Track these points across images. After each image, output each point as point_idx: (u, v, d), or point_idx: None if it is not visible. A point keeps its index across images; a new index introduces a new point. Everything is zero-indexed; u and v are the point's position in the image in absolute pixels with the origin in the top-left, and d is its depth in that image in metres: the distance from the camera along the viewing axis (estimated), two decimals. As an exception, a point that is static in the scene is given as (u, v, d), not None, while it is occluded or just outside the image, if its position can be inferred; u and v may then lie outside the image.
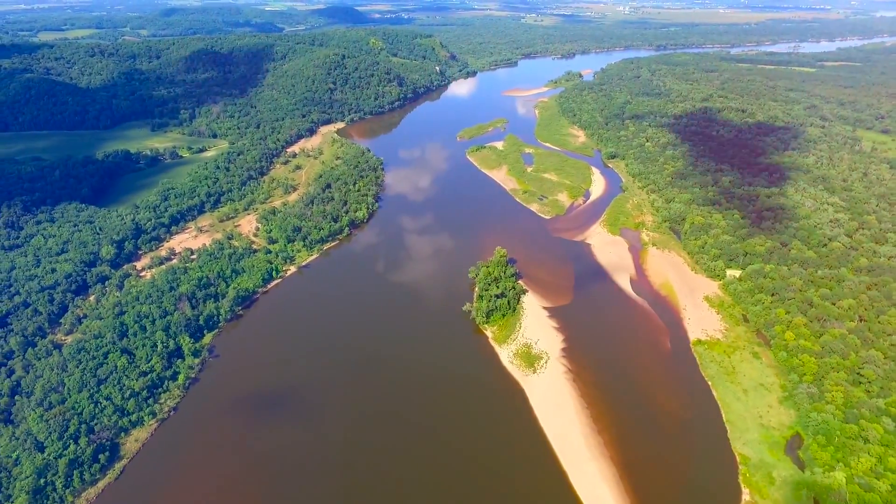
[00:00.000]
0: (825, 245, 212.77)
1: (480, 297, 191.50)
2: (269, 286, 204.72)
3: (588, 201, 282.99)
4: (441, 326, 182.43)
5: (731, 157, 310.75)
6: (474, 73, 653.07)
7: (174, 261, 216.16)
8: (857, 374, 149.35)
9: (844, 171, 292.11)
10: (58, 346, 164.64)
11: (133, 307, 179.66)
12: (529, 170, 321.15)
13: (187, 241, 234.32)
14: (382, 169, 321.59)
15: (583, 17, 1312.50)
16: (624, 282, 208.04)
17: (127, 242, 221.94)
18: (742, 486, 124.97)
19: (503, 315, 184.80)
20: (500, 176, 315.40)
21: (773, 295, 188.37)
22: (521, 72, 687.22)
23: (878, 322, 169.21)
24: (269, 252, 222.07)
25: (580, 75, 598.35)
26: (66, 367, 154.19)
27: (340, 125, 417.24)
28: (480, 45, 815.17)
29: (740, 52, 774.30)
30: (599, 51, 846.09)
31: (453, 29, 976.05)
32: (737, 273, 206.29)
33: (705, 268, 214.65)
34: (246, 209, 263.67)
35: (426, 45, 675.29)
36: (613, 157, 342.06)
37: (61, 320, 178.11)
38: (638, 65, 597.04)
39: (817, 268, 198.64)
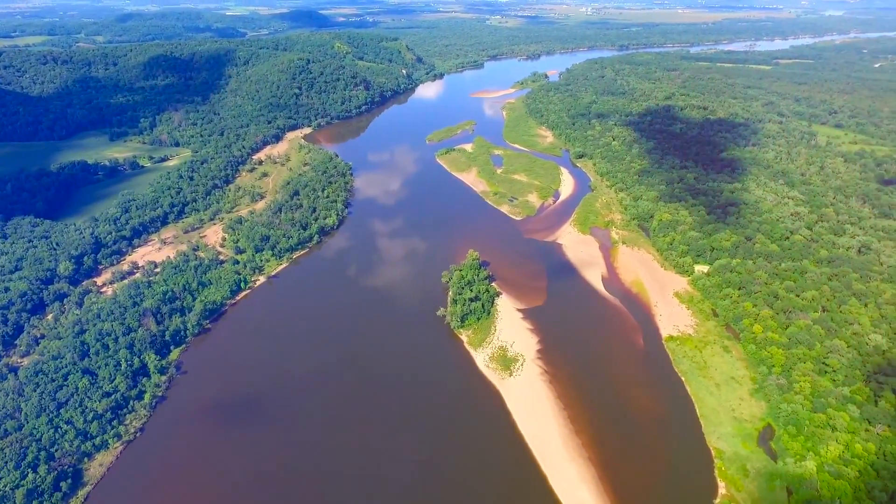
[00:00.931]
0: (787, 238, 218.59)
1: (454, 301, 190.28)
2: (237, 298, 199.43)
3: (558, 201, 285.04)
4: (416, 332, 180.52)
5: (694, 154, 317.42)
6: (441, 76, 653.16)
7: (137, 275, 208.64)
8: (823, 363, 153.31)
9: (802, 165, 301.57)
10: (13, 370, 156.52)
11: (94, 325, 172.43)
12: (499, 171, 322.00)
13: (150, 253, 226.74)
14: (351, 174, 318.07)
15: (546, 19, 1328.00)
16: (596, 281, 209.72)
17: (86, 257, 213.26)
18: (718, 479, 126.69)
19: (478, 318, 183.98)
20: (471, 178, 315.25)
21: (740, 289, 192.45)
22: (487, 73, 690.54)
23: (840, 312, 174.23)
24: (237, 262, 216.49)
25: (546, 76, 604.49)
26: (23, 391, 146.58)
27: (307, 131, 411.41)
28: (446, 48, 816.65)
29: (699, 51, 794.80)
30: (564, 51, 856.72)
31: (419, 32, 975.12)
32: (705, 268, 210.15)
33: (674, 264, 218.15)
34: (211, 219, 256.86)
35: (392, 49, 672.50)
36: (581, 156, 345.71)
37: (17, 342, 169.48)
38: (602, 65, 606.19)
39: (781, 261, 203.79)
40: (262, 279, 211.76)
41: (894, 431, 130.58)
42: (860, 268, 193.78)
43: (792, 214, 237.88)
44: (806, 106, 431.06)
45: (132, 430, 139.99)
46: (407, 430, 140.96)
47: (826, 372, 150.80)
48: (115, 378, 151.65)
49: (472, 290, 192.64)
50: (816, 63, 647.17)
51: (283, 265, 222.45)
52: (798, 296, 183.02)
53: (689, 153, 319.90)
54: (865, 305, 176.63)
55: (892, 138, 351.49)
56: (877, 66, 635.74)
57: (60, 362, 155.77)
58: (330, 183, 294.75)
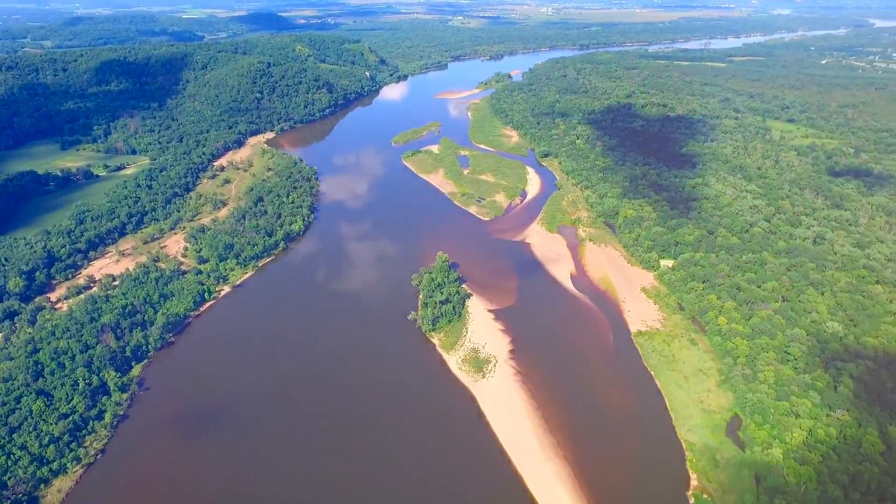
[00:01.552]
0: (747, 231, 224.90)
1: (425, 304, 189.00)
2: (201, 309, 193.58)
3: (525, 201, 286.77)
4: (387, 337, 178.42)
5: (656, 151, 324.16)
6: (405, 78, 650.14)
7: (94, 289, 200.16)
8: (785, 352, 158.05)
9: (759, 160, 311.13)
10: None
11: (49, 343, 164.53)
12: (466, 172, 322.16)
13: (108, 266, 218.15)
14: (317, 178, 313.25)
15: (508, 19, 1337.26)
16: (565, 279, 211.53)
17: (38, 273, 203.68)
18: (690, 471, 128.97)
19: (449, 321, 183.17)
20: (438, 179, 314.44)
21: (704, 282, 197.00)
22: (451, 74, 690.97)
23: (799, 301, 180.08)
24: (200, 273, 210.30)
25: (509, 76, 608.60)
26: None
27: (270, 135, 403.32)
28: (410, 49, 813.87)
29: (657, 50, 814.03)
30: (526, 51, 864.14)
31: (381, 33, 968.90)
32: (670, 263, 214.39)
33: (640, 260, 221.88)
34: (172, 228, 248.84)
35: (355, 51, 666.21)
36: (546, 155, 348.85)
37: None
38: (564, 64, 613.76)
39: (742, 253, 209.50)
40: (227, 289, 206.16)
41: (853, 415, 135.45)
42: (816, 258, 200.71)
43: (751, 208, 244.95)
44: (760, 102, 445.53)
45: (92, 453, 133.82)
46: (379, 436, 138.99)
47: (788, 360, 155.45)
48: (72, 398, 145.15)
49: (442, 293, 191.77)
50: (768, 60, 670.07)
51: (249, 274, 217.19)
52: (759, 287, 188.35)
53: (650, 150, 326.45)
54: (822, 294, 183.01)
55: (841, 132, 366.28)
56: (823, 62, 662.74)
57: (12, 384, 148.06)
58: (295, 188, 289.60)
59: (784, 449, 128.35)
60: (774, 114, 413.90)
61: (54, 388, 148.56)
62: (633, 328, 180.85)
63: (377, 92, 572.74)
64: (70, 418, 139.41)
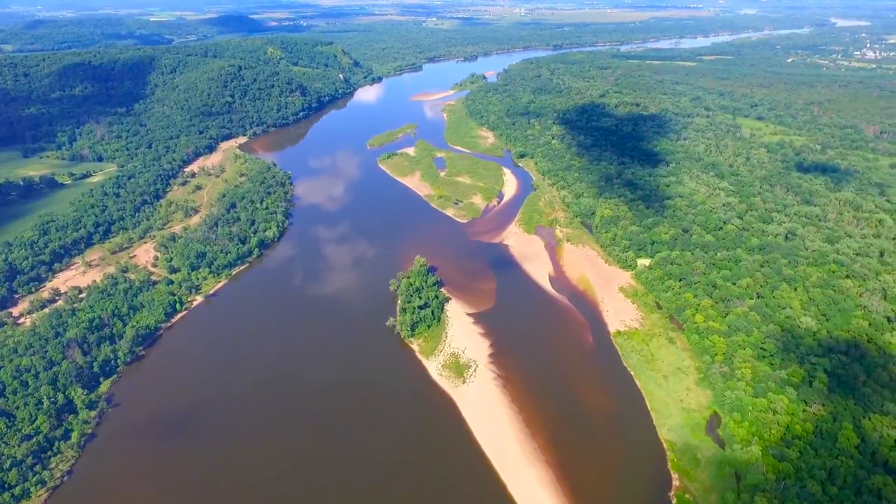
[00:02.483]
0: (721, 228, 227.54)
1: (403, 309, 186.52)
2: (173, 320, 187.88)
3: (502, 202, 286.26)
4: (365, 344, 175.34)
5: (630, 150, 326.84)
6: (380, 80, 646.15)
7: (59, 302, 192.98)
8: (761, 348, 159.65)
9: (730, 157, 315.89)
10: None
11: (10, 361, 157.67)
12: (442, 174, 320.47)
13: (74, 278, 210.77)
14: (291, 183, 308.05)
15: (481, 20, 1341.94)
16: (543, 280, 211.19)
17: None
18: (671, 471, 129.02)
19: (428, 326, 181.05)
20: (414, 182, 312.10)
21: (680, 280, 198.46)
22: (426, 76, 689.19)
23: (773, 297, 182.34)
24: (171, 283, 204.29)
25: (484, 77, 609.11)
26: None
27: (242, 140, 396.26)
28: (384, 51, 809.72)
29: (629, 49, 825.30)
30: (500, 52, 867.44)
31: (355, 35, 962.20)
32: (646, 262, 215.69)
33: (617, 259, 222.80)
34: (142, 237, 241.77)
35: (328, 53, 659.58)
36: (523, 156, 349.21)
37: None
38: (538, 64, 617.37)
39: (717, 250, 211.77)
40: (199, 299, 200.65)
41: (828, 409, 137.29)
42: (788, 253, 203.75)
43: (724, 205, 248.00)
44: (729, 100, 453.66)
45: (58, 475, 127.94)
46: (359, 444, 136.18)
47: (764, 357, 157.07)
48: (36, 418, 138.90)
49: (420, 298, 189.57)
50: (736, 59, 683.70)
51: (222, 282, 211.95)
52: (734, 284, 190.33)
53: (625, 149, 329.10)
54: (795, 289, 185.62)
55: (808, 128, 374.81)
56: (789, 60, 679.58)
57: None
58: (269, 193, 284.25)
59: (763, 446, 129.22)
60: (744, 112, 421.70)
61: (17, 407, 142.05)
62: (611, 328, 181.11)
63: (351, 94, 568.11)
64: (34, 439, 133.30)
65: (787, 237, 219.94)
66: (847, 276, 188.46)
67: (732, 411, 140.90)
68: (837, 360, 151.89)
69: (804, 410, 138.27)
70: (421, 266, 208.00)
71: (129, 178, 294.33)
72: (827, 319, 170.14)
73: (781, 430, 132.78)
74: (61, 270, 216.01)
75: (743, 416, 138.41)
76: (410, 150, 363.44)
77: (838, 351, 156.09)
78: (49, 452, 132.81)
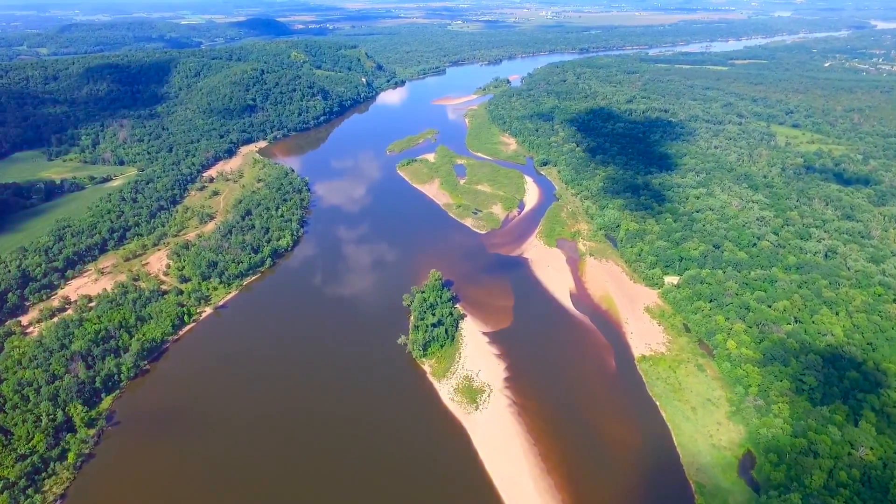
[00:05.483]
0: (755, 245, 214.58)
1: (416, 327, 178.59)
2: (180, 333, 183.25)
3: (523, 212, 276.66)
4: (375, 364, 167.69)
5: (658, 159, 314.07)
6: (403, 83, 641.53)
7: (69, 311, 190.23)
8: (800, 380, 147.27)
9: (764, 168, 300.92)
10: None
11: (14, 373, 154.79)
12: (462, 182, 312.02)
13: (86, 286, 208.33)
14: (308, 190, 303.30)
15: (506, 23, 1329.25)
16: (564, 297, 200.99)
17: (11, 294, 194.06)
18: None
19: (441, 345, 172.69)
20: (433, 190, 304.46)
21: (711, 301, 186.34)
22: (449, 80, 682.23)
23: (813, 322, 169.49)
24: (181, 293, 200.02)
25: (508, 81, 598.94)
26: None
27: (262, 144, 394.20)
28: (408, 54, 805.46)
29: (658, 53, 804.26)
30: (525, 55, 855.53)
31: (380, 38, 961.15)
32: (674, 279, 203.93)
33: (643, 276, 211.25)
34: (156, 244, 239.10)
35: (351, 56, 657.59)
36: (545, 164, 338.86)
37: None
38: (563, 68, 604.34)
39: (750, 269, 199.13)
40: (208, 310, 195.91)
41: (877, 454, 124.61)
42: (828, 274, 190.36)
43: (758, 219, 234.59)
44: (763, 106, 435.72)
45: (51, 499, 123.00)
46: (363, 475, 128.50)
47: (803, 390, 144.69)
48: (33, 437, 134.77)
49: (434, 315, 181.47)
50: (770, 63, 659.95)
51: (233, 293, 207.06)
52: (770, 307, 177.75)
53: (652, 157, 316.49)
54: (837, 314, 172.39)
55: (847, 137, 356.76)
56: (826, 65, 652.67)
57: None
58: (285, 200, 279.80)
59: (803, 493, 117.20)
60: (779, 119, 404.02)
61: (15, 424, 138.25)
62: (636, 352, 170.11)
63: (373, 98, 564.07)
64: (29, 460, 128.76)
65: (826, 255, 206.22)
66: (895, 301, 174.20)
67: (768, 451, 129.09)
68: (887, 396, 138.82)
69: (850, 454, 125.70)
70: (436, 280, 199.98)
71: (148, 183, 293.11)
72: (873, 349, 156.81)
73: (824, 475, 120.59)
74: (74, 277, 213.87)
75: (780, 458, 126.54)
76: (430, 157, 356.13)
77: (887, 386, 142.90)
78: (43, 474, 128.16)
